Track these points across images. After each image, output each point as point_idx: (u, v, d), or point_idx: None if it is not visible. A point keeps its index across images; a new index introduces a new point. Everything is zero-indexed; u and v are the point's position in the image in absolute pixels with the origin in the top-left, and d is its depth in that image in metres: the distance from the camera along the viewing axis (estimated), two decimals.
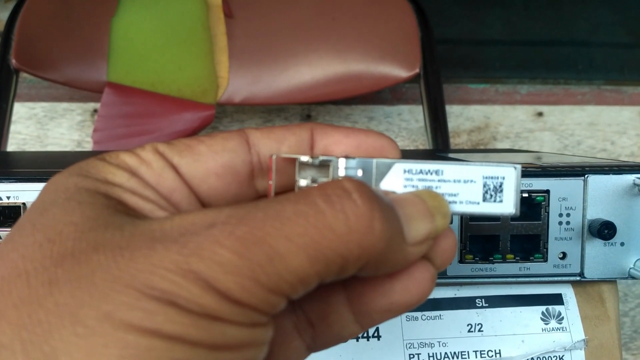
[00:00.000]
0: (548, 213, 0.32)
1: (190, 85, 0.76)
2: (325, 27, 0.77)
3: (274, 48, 0.77)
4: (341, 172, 0.20)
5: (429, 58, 0.73)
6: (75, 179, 0.19)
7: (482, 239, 0.32)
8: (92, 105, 0.87)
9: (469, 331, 0.33)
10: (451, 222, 0.24)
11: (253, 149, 0.21)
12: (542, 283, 0.33)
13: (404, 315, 0.33)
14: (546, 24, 0.92)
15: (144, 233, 0.17)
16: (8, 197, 0.31)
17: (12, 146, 0.83)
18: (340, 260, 0.17)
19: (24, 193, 0.31)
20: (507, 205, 0.21)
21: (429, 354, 0.33)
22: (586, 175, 0.32)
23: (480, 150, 0.69)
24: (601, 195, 0.32)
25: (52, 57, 0.73)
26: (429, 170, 0.21)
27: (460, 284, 0.34)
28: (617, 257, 0.33)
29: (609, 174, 0.32)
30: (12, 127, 0.75)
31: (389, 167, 0.21)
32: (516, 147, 0.92)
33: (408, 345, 0.33)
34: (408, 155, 0.59)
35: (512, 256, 0.32)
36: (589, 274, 0.33)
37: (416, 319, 0.33)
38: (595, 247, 0.32)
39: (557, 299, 0.34)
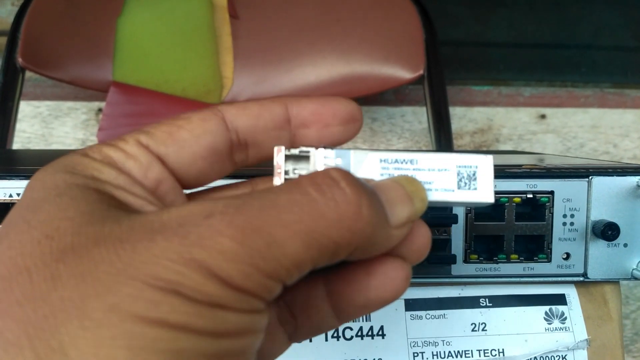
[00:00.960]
0: (552, 214, 0.32)
1: (194, 85, 0.76)
2: (329, 28, 0.77)
3: (278, 49, 0.78)
4: (320, 162, 0.21)
5: (433, 60, 0.74)
6: (63, 176, 0.19)
7: (486, 239, 0.33)
8: (96, 105, 0.87)
9: (472, 330, 0.33)
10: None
11: (231, 126, 0.22)
12: (546, 283, 0.34)
13: (408, 314, 0.34)
14: (550, 26, 0.92)
15: (142, 225, 0.17)
16: (18, 194, 0.31)
17: (16, 144, 0.84)
18: (332, 245, 0.18)
19: None
20: (483, 194, 0.22)
21: (432, 352, 0.33)
22: (590, 177, 0.32)
23: (484, 152, 0.69)
24: (605, 197, 0.32)
25: (58, 56, 0.74)
26: (404, 160, 0.21)
27: (465, 284, 0.34)
28: (620, 258, 0.33)
29: (612, 175, 0.32)
30: (17, 126, 0.75)
31: (365, 156, 0.21)
32: (519, 149, 0.92)
33: (412, 344, 0.33)
34: None
35: (516, 256, 0.33)
36: (592, 274, 0.33)
37: (420, 317, 0.33)
38: (599, 248, 0.33)
39: (560, 299, 0.34)
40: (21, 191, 0.30)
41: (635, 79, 0.93)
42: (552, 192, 0.32)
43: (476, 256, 0.32)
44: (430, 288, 0.34)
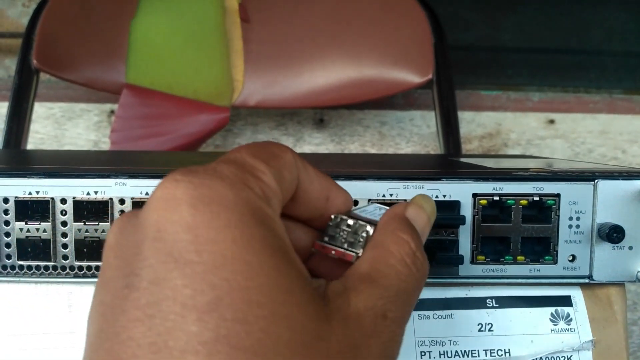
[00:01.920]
0: (558, 216, 0.33)
1: (206, 87, 0.77)
2: (339, 33, 0.78)
3: (288, 52, 0.78)
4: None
5: (442, 64, 0.74)
6: (262, 232, 0.20)
7: (493, 240, 0.33)
8: (109, 106, 0.88)
9: (479, 330, 0.34)
10: None
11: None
12: (552, 285, 0.34)
13: (415, 314, 0.34)
14: (559, 31, 0.93)
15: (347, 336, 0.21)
16: (37, 192, 0.32)
17: (29, 145, 0.85)
18: None
19: (53, 188, 0.32)
20: None
21: (439, 351, 0.33)
22: (596, 180, 0.33)
23: (492, 156, 0.69)
24: (610, 200, 0.33)
25: (72, 58, 0.75)
26: None
27: (472, 285, 0.34)
28: (625, 261, 0.33)
29: (618, 179, 0.33)
30: (31, 127, 0.77)
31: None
32: (527, 154, 0.93)
33: (419, 343, 0.34)
34: (420, 159, 0.60)
35: (522, 258, 0.33)
36: (597, 276, 0.33)
37: (428, 317, 0.34)
38: (604, 251, 0.33)
39: (566, 301, 0.34)
40: (40, 189, 0.31)
41: None
42: (558, 195, 0.33)
43: (483, 257, 0.33)
44: (438, 288, 0.34)
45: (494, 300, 0.34)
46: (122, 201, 0.32)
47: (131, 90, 0.75)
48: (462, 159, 0.50)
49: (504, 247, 0.33)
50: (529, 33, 0.93)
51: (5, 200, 0.32)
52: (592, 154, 0.93)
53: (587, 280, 0.34)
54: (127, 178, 0.32)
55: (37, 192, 0.32)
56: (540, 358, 0.34)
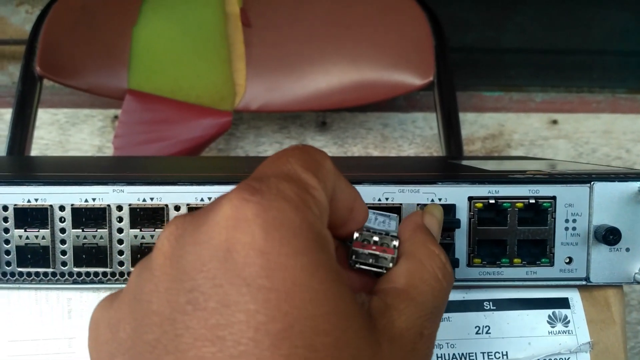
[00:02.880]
0: (555, 219, 0.33)
1: (208, 92, 0.77)
2: (340, 36, 0.78)
3: (290, 56, 0.79)
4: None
5: (443, 66, 0.74)
6: (323, 256, 0.21)
7: (490, 243, 0.33)
8: (112, 112, 0.89)
9: (476, 333, 0.34)
10: None
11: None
12: (549, 287, 0.34)
13: None
14: (561, 32, 0.93)
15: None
16: (36, 200, 0.32)
17: (34, 151, 0.86)
18: None
19: (51, 196, 0.32)
20: None
21: (437, 354, 0.34)
22: (592, 182, 0.33)
23: (494, 158, 0.69)
24: (607, 202, 0.33)
25: (75, 65, 0.75)
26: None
27: (469, 287, 0.34)
28: (622, 263, 0.33)
29: (614, 181, 0.33)
30: (35, 133, 0.77)
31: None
32: (530, 155, 0.93)
33: None
34: (418, 162, 0.60)
35: (519, 260, 0.33)
36: (594, 278, 0.33)
37: None
38: (601, 253, 0.33)
39: (563, 303, 0.34)
40: (39, 197, 0.32)
41: None
42: (554, 198, 0.33)
43: (479, 260, 0.33)
44: None
45: (491, 302, 0.34)
46: (119, 208, 0.32)
47: (134, 96, 0.76)
48: (464, 161, 0.50)
49: (500, 249, 0.33)
50: (530, 33, 0.92)
51: (5, 208, 0.32)
52: (595, 154, 0.93)
53: (584, 282, 0.34)
54: (124, 185, 0.32)
55: (36, 200, 0.32)
56: None
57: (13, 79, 0.89)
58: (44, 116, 0.89)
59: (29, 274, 0.33)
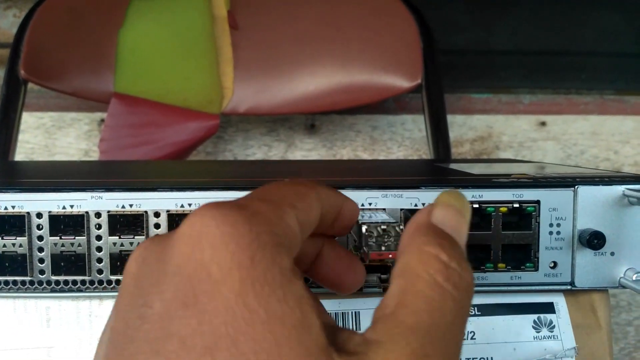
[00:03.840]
0: (539, 223, 0.33)
1: (195, 95, 0.77)
2: (328, 38, 0.78)
3: (278, 59, 0.78)
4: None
5: (431, 68, 0.74)
6: (276, 282, 0.19)
7: (474, 248, 0.33)
8: (99, 115, 0.88)
9: None
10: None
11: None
12: (534, 292, 0.34)
13: None
14: (551, 33, 0.93)
15: None
16: (13, 207, 0.32)
17: (20, 155, 0.85)
18: None
19: (29, 203, 0.32)
20: None
21: None
22: (576, 186, 0.33)
23: (481, 161, 0.69)
24: (591, 206, 0.33)
25: (60, 68, 0.75)
26: None
27: None
28: (607, 267, 0.33)
29: (598, 184, 0.33)
30: (21, 137, 0.76)
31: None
32: (519, 157, 0.93)
33: None
34: (404, 166, 0.60)
35: (503, 265, 0.33)
36: (579, 283, 0.33)
37: None
38: (586, 257, 0.33)
39: (548, 308, 0.34)
40: (21, 204, 0.31)
41: (636, 86, 0.93)
42: (538, 202, 0.32)
43: None
44: None
45: (475, 308, 0.34)
46: (98, 215, 0.32)
47: (120, 99, 0.75)
48: (451, 165, 0.50)
49: (484, 254, 0.33)
50: (519, 35, 0.92)
51: None
52: (584, 156, 0.93)
53: (569, 287, 0.33)
54: (103, 191, 0.32)
55: (13, 207, 0.31)
56: None
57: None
58: (29, 120, 0.88)
59: (6, 283, 0.32)
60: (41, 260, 0.32)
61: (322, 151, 0.91)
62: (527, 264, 0.33)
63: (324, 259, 0.28)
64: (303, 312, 0.19)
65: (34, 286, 0.32)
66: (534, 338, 0.34)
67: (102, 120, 0.88)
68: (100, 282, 0.32)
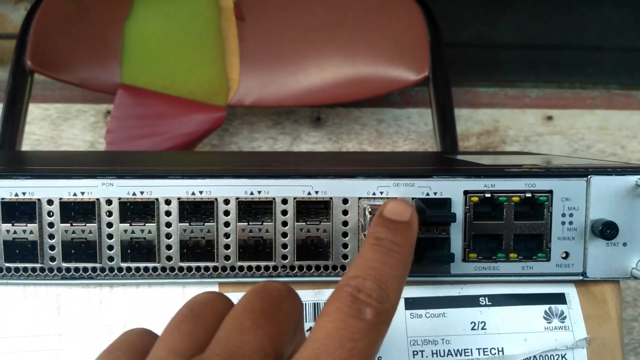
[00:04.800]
0: (551, 213, 0.32)
1: (201, 87, 0.77)
2: (335, 31, 0.77)
3: (284, 51, 0.78)
4: None
5: (438, 61, 0.74)
6: None
7: (485, 238, 0.33)
8: (105, 107, 0.88)
9: (472, 329, 0.34)
10: None
11: None
12: (545, 282, 0.34)
13: (408, 313, 0.34)
14: (556, 27, 0.92)
15: None
16: (24, 193, 0.31)
17: (26, 146, 0.85)
18: None
19: (39, 189, 0.31)
20: None
21: (432, 351, 0.33)
22: (589, 176, 0.32)
23: (490, 153, 0.69)
24: (604, 196, 0.32)
25: (67, 59, 0.74)
26: None
27: (464, 283, 0.34)
28: (619, 257, 0.33)
29: (611, 174, 0.32)
30: (27, 128, 0.76)
31: None
32: (525, 151, 0.92)
33: (412, 342, 0.33)
34: (414, 157, 0.59)
35: (515, 255, 0.33)
36: (591, 273, 0.33)
37: (420, 316, 0.34)
38: (598, 247, 0.33)
39: (560, 298, 0.34)
40: (31, 190, 0.31)
41: None
42: (550, 192, 0.32)
43: (475, 255, 0.33)
44: (430, 287, 0.34)
45: (486, 298, 0.34)
46: (109, 202, 0.31)
47: (126, 91, 0.75)
48: (459, 157, 0.50)
49: (496, 244, 0.33)
50: (525, 29, 0.92)
51: None
52: (590, 150, 0.93)
53: (580, 278, 0.33)
54: (114, 178, 0.31)
55: (24, 194, 0.31)
56: (534, 356, 0.33)
57: None
58: (35, 111, 0.88)
59: (17, 269, 0.32)
60: (52, 247, 0.32)
61: (328, 144, 0.91)
62: (539, 254, 0.33)
63: None
64: None
65: (45, 273, 0.32)
66: (545, 329, 0.34)
67: (108, 112, 0.87)
68: (111, 269, 0.32)
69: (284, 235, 0.32)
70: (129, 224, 0.31)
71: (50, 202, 0.31)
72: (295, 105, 0.84)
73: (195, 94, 0.77)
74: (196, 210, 0.32)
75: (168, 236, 0.32)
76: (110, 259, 0.32)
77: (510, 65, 0.93)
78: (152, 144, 0.75)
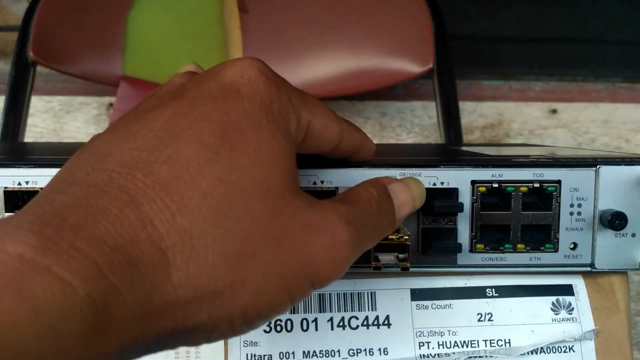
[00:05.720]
0: (559, 203, 0.32)
1: None
2: (338, 23, 0.77)
3: (287, 43, 0.78)
4: None
5: (442, 53, 0.73)
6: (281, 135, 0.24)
7: (493, 228, 0.33)
8: (107, 99, 0.88)
9: (479, 320, 0.33)
10: None
11: None
12: (553, 273, 0.34)
13: (414, 304, 0.33)
14: (561, 20, 0.92)
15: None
16: (27, 182, 0.31)
17: (28, 139, 0.84)
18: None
19: (43, 178, 0.31)
20: None
21: (438, 342, 0.33)
22: (598, 166, 0.32)
23: (494, 145, 0.69)
24: (612, 186, 0.32)
25: (69, 50, 0.74)
26: None
27: (471, 274, 0.34)
28: (628, 248, 0.33)
29: (620, 164, 0.32)
30: (29, 121, 0.76)
31: None
32: (530, 143, 0.92)
33: (418, 334, 0.33)
34: (419, 149, 0.59)
35: (523, 246, 0.32)
36: (599, 264, 0.33)
37: (426, 307, 0.33)
38: (606, 238, 0.33)
39: (567, 290, 0.34)
40: (34, 179, 0.31)
41: None
42: (559, 182, 0.32)
43: (482, 246, 0.32)
44: (436, 278, 0.34)
45: (493, 289, 0.34)
46: None
47: (129, 83, 0.75)
48: (463, 148, 0.50)
49: (503, 235, 0.32)
50: (528, 23, 0.91)
51: None
52: (595, 144, 0.92)
53: (588, 269, 0.33)
54: None
55: (27, 183, 0.31)
56: (541, 348, 0.33)
57: None
58: (37, 104, 0.87)
59: None
60: None
61: None
62: (547, 245, 0.32)
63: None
64: (291, 154, 0.24)
65: None
66: (553, 320, 0.33)
67: (111, 105, 0.87)
68: None
69: None
70: None
71: None
72: None
73: None
74: None
75: None
76: None
77: (514, 58, 0.92)
78: None
